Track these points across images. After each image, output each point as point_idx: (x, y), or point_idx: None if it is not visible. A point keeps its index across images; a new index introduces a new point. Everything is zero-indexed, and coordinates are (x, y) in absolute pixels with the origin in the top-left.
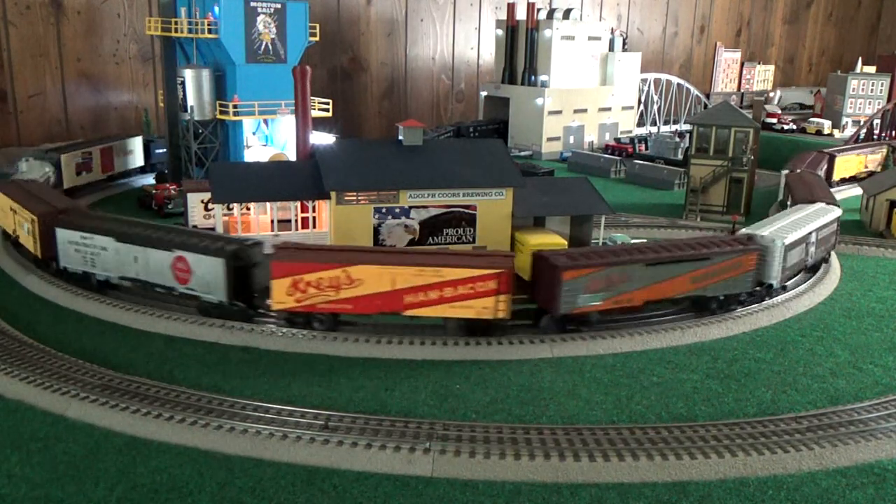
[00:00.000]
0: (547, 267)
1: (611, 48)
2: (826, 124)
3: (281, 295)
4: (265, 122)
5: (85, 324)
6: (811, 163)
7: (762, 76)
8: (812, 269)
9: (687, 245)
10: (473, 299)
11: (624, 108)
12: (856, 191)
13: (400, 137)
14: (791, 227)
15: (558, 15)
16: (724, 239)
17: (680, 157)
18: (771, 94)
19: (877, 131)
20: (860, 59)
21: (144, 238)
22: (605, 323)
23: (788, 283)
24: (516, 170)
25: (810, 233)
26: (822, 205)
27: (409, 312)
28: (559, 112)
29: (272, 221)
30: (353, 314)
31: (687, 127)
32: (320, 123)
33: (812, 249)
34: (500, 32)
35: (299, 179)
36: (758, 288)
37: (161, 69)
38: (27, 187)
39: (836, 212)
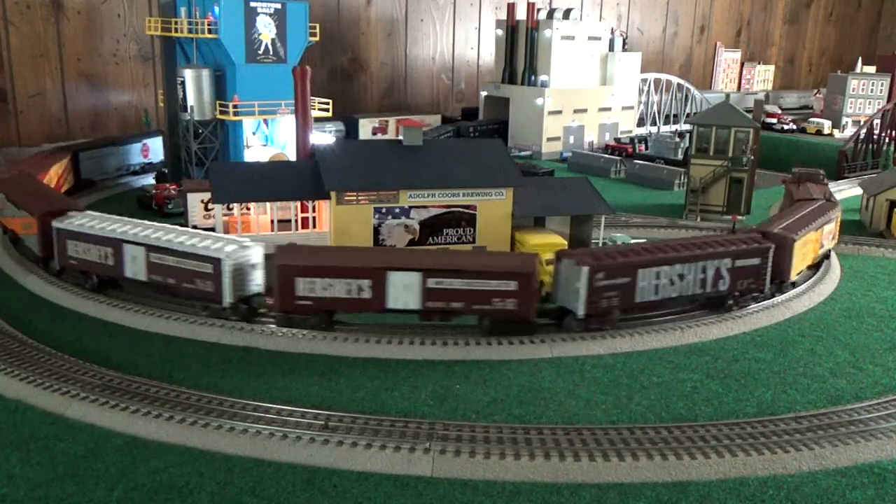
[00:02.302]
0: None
1: (611, 48)
2: (826, 124)
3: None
4: (265, 122)
5: (85, 324)
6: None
7: (762, 76)
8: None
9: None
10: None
11: (624, 108)
12: (856, 191)
13: (400, 137)
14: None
15: (558, 15)
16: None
17: (680, 157)
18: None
19: (877, 131)
20: (860, 59)
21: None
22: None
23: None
24: (516, 170)
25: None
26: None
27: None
28: (559, 112)
29: (272, 221)
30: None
31: (687, 127)
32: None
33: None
34: (500, 32)
35: (299, 179)
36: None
37: (161, 69)
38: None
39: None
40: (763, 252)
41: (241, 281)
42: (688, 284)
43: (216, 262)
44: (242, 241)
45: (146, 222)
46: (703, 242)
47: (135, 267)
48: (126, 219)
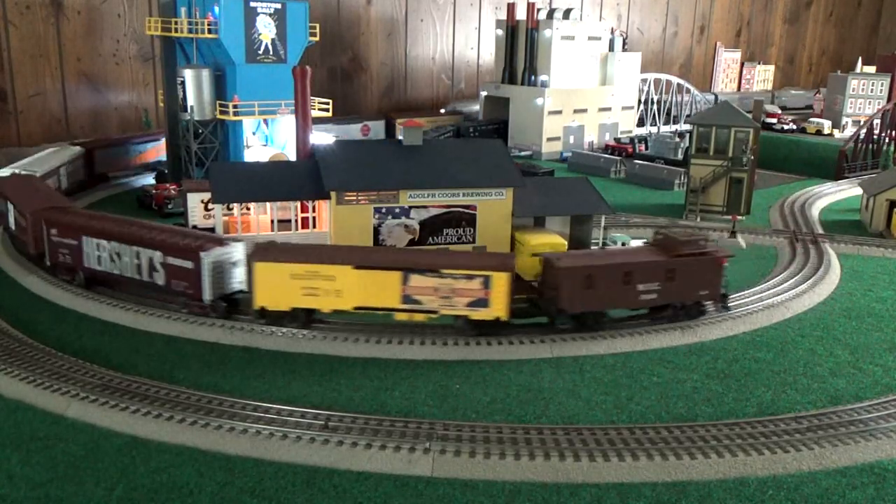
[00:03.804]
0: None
1: (611, 48)
2: (826, 124)
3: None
4: (265, 122)
5: (85, 324)
6: None
7: (762, 76)
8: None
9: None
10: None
11: (624, 108)
12: (856, 191)
13: (400, 137)
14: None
15: (558, 15)
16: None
17: (680, 157)
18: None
19: (877, 131)
20: (860, 59)
21: None
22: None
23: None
24: (516, 170)
25: None
26: None
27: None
28: (559, 112)
29: (272, 221)
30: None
31: (687, 127)
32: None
33: None
34: (500, 32)
35: (299, 179)
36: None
37: (161, 69)
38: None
39: None
40: (193, 255)
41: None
42: (126, 266)
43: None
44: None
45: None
46: (149, 227)
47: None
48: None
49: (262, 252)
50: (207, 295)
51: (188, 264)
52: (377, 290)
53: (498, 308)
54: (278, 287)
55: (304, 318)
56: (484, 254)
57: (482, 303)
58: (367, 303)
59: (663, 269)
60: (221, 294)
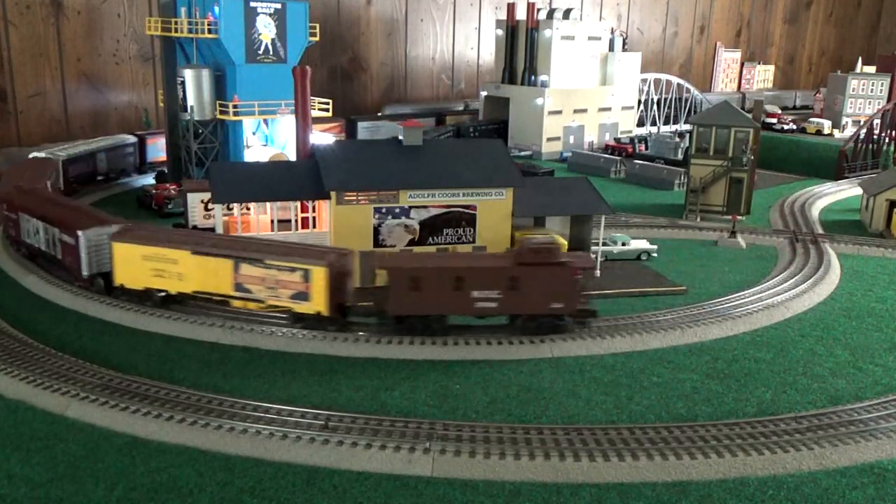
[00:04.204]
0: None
1: (611, 48)
2: (826, 124)
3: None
4: (265, 122)
5: (85, 324)
6: None
7: (762, 76)
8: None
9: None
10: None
11: (624, 108)
12: (856, 191)
13: (400, 137)
14: None
15: (558, 15)
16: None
17: (680, 157)
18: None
19: (877, 131)
20: (860, 59)
21: None
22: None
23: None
24: (516, 170)
25: None
26: None
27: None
28: (559, 112)
29: (272, 221)
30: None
31: (687, 127)
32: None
33: None
34: (500, 32)
35: (299, 179)
36: None
37: (161, 69)
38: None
39: None
40: (74, 232)
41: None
42: (41, 241)
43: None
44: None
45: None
46: (64, 206)
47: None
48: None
49: (121, 233)
50: (85, 270)
51: (71, 241)
52: (212, 276)
53: (318, 302)
54: (133, 267)
55: (159, 299)
56: (311, 248)
57: (303, 296)
58: (205, 288)
59: (504, 276)
60: (100, 271)
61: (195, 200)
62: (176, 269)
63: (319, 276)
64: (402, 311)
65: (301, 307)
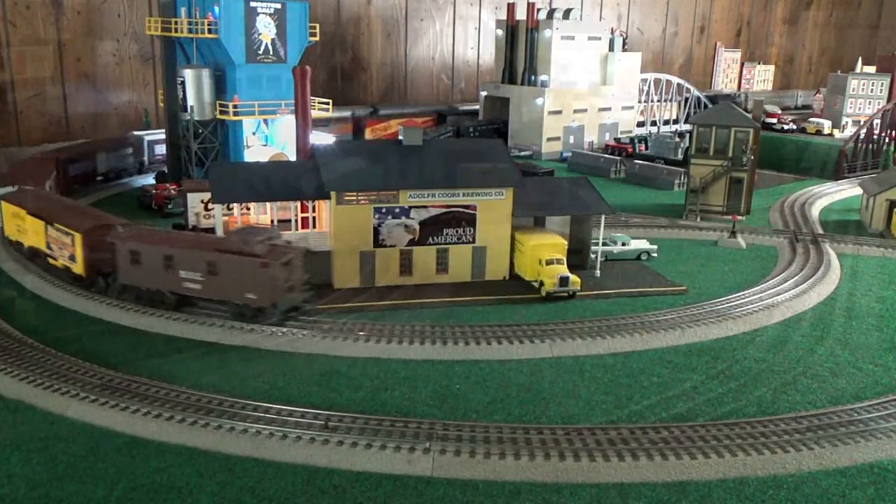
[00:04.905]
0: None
1: (611, 48)
2: (826, 124)
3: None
4: (265, 122)
5: (85, 324)
6: None
7: (762, 76)
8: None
9: None
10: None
11: (624, 108)
12: (856, 191)
13: (400, 137)
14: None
15: (558, 15)
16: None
17: (680, 157)
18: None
19: (877, 131)
20: (860, 59)
21: None
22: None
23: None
24: (516, 170)
25: None
26: None
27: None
28: (559, 112)
29: (272, 221)
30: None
31: (687, 127)
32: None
33: None
34: (500, 32)
35: (299, 179)
36: None
37: (161, 69)
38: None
39: None
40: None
41: None
42: None
43: None
44: None
45: None
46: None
47: None
48: None
49: (10, 194)
50: None
51: None
52: (37, 234)
53: (79, 265)
54: (10, 223)
55: (28, 252)
56: (87, 214)
57: (73, 258)
58: (37, 244)
59: (204, 260)
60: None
61: (195, 200)
62: (24, 227)
63: (77, 240)
64: (127, 280)
65: (74, 268)
